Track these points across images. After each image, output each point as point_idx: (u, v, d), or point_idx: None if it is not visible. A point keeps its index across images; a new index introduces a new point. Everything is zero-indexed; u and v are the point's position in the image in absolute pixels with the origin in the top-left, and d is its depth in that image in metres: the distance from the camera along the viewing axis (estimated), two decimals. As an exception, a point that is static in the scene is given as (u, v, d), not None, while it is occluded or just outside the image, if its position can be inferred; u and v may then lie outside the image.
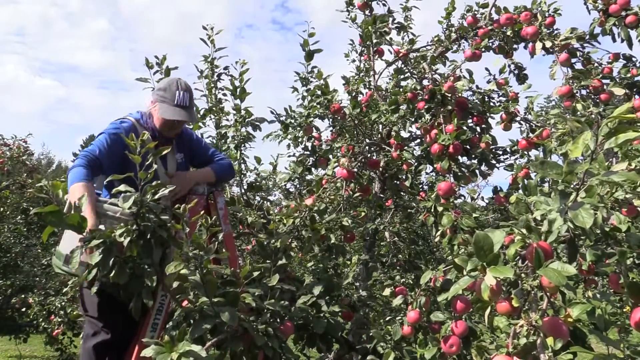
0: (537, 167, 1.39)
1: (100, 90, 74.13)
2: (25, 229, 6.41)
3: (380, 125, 3.49)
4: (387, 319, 2.57)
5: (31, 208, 5.95)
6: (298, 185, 3.88)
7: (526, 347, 1.38)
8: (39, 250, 6.70)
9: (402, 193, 3.58)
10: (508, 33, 3.24)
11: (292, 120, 3.33)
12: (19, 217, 6.36)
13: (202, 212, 2.07)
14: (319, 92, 3.28)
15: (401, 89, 3.10)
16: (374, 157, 3.46)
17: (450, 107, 2.84)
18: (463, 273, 1.42)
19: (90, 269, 1.60)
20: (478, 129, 2.98)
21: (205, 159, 2.52)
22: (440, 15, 3.57)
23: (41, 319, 5.52)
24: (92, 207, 1.83)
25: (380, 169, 3.45)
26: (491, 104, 3.10)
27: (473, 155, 2.85)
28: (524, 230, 1.50)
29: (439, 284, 2.01)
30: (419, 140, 3.45)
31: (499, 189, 3.03)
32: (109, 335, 2.14)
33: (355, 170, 3.19)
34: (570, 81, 2.87)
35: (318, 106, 3.26)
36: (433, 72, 3.14)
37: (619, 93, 2.82)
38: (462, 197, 3.47)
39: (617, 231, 1.62)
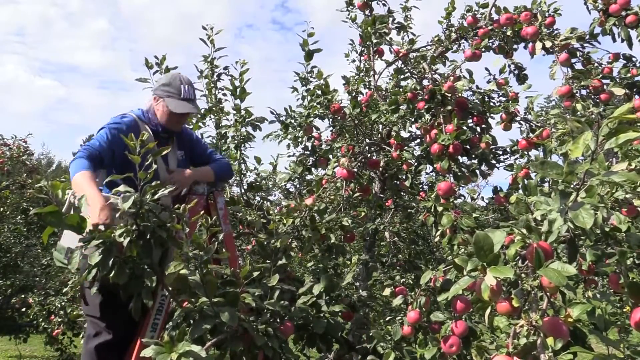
0: (537, 167, 1.39)
1: (100, 90, 74.17)
2: (25, 229, 6.41)
3: (380, 125, 3.48)
4: (387, 319, 2.57)
5: (31, 208, 5.95)
6: (298, 185, 3.88)
7: (526, 347, 1.38)
8: (39, 250, 6.70)
9: (402, 193, 3.58)
10: (508, 33, 3.24)
11: (292, 120, 3.33)
12: (19, 217, 6.36)
13: (202, 212, 2.07)
14: (319, 92, 3.28)
15: (401, 89, 3.10)
16: (374, 157, 3.46)
17: (450, 107, 2.84)
18: (463, 273, 1.42)
19: (90, 269, 1.61)
20: (478, 129, 2.98)
21: (203, 159, 2.55)
22: (440, 15, 3.57)
23: (41, 319, 5.51)
24: (98, 192, 1.86)
25: (380, 169, 3.45)
26: (491, 104, 3.10)
27: (473, 155, 2.85)
28: (524, 230, 1.50)
29: (439, 284, 2.01)
30: (419, 140, 3.45)
31: (499, 189, 3.03)
32: (111, 335, 2.14)
33: (355, 170, 3.19)
34: (570, 81, 2.87)
35: (318, 106, 3.26)
36: (433, 72, 3.14)
37: (619, 93, 2.82)
38: (462, 197, 3.48)
39: (617, 231, 1.62)
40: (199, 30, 3.40)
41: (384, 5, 3.54)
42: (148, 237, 1.64)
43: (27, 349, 7.19)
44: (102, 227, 1.68)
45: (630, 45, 2.91)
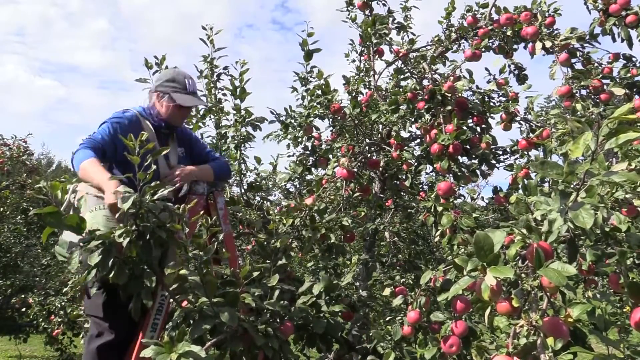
0: (537, 167, 1.39)
1: (100, 90, 74.25)
2: (25, 229, 6.41)
3: (380, 125, 3.48)
4: (387, 319, 2.57)
5: (31, 208, 5.95)
6: (298, 185, 3.88)
7: (526, 347, 1.38)
8: (39, 250, 6.70)
9: (402, 193, 3.58)
10: (508, 33, 3.24)
11: (292, 120, 3.33)
12: (19, 217, 6.36)
13: (202, 212, 2.07)
14: (319, 92, 3.28)
15: (401, 89, 3.10)
16: (374, 157, 3.46)
17: (450, 107, 2.84)
18: (463, 273, 1.42)
19: (89, 269, 1.60)
20: (478, 129, 2.98)
21: (202, 158, 2.56)
22: (440, 15, 3.57)
23: (41, 319, 5.51)
24: (109, 174, 1.88)
25: (380, 169, 3.44)
26: (491, 104, 3.10)
27: (473, 155, 2.85)
28: (524, 230, 1.50)
29: (439, 284, 2.01)
30: (419, 140, 3.45)
31: (499, 189, 3.03)
32: (114, 335, 2.13)
33: (355, 170, 3.19)
34: (570, 81, 2.87)
35: (318, 106, 3.26)
36: (433, 72, 3.14)
37: (619, 93, 2.82)
38: (462, 197, 3.48)
39: (617, 231, 1.62)
40: (199, 30, 3.41)
41: (384, 5, 3.54)
42: (148, 237, 1.64)
43: (27, 349, 7.19)
44: (120, 206, 1.63)
45: (630, 45, 2.91)
